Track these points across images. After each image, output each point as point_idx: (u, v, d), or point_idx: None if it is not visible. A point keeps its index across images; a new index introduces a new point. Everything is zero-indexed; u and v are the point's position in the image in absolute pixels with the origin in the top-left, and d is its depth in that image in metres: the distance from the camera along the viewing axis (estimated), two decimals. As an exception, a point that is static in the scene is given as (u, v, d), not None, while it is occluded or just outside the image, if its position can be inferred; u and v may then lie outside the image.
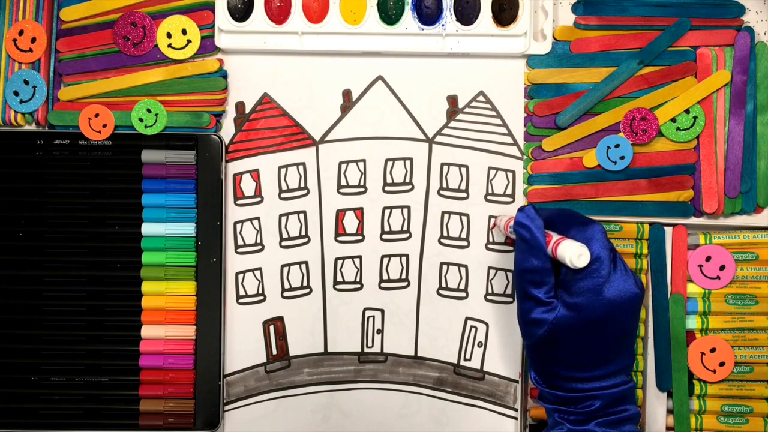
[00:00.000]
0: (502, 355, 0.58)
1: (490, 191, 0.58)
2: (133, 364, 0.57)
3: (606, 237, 0.46)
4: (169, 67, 0.57)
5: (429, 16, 0.57)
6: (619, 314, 0.45)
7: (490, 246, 0.58)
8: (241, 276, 0.58)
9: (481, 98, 0.58)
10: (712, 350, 0.56)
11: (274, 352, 0.58)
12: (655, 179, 0.57)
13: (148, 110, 0.56)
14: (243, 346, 0.58)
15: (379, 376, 0.58)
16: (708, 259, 0.56)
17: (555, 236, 0.46)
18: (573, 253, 0.44)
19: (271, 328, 0.58)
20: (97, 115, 0.56)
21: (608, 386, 0.46)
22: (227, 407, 0.58)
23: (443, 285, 0.58)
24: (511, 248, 0.58)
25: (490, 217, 0.58)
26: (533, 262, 0.46)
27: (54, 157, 0.57)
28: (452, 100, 0.58)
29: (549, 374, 0.47)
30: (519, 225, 0.47)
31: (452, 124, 0.58)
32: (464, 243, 0.58)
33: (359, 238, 0.58)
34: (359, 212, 0.58)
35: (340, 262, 0.58)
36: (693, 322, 0.56)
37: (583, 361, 0.45)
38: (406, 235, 0.58)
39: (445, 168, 0.58)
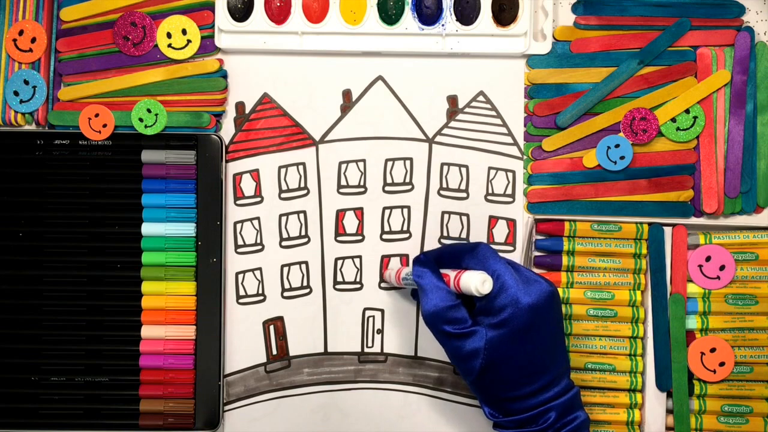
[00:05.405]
0: (502, 355, 0.58)
1: (490, 191, 0.58)
2: (133, 364, 0.57)
3: (495, 251, 0.48)
4: (169, 67, 0.57)
5: (429, 16, 0.57)
6: (542, 316, 0.45)
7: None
8: (241, 276, 0.58)
9: (481, 98, 0.58)
10: (712, 350, 0.56)
11: (274, 352, 0.58)
12: (655, 179, 0.57)
13: (148, 110, 0.56)
14: (243, 346, 0.58)
15: (379, 376, 0.58)
16: (708, 259, 0.56)
17: (452, 273, 0.47)
18: (477, 282, 0.45)
19: (271, 328, 0.58)
20: (97, 115, 0.56)
21: (557, 394, 0.46)
22: (227, 407, 0.58)
23: (443, 285, 0.58)
24: (510, 247, 0.58)
25: (490, 217, 0.58)
26: (442, 304, 0.46)
27: (54, 157, 0.57)
28: (452, 100, 0.58)
29: (500, 401, 0.47)
30: (417, 276, 0.48)
31: (452, 124, 0.58)
32: (464, 243, 0.58)
33: (359, 238, 0.58)
34: (359, 212, 0.58)
35: (340, 262, 0.58)
36: (693, 322, 0.56)
37: (526, 373, 0.46)
38: (406, 235, 0.58)
39: (445, 168, 0.58)
